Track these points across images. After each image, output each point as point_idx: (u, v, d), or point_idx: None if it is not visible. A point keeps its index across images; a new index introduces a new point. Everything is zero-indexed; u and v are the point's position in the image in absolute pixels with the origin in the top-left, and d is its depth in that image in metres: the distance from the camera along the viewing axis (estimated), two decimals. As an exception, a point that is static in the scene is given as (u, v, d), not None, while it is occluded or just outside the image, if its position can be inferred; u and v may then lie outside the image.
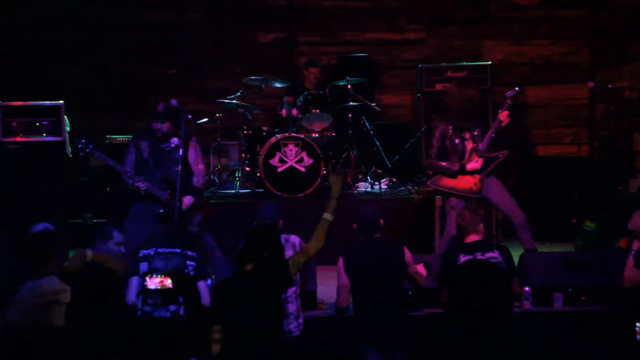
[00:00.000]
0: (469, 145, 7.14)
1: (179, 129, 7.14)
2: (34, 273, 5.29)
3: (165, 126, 7.07)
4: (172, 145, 7.02)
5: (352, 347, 5.72)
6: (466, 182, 7.11)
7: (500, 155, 7.13)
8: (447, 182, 7.14)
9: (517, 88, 7.27)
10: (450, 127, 7.14)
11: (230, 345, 4.79)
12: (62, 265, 5.55)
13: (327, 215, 5.10)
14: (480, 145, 7.12)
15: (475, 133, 7.17)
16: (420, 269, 6.10)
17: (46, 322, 5.12)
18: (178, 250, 5.80)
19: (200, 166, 7.29)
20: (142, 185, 6.88)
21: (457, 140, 7.14)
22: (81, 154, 6.83)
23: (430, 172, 8.06)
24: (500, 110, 7.12)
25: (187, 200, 6.95)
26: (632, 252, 5.82)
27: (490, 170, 7.13)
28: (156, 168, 7.02)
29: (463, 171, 7.10)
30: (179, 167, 6.92)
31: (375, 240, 5.82)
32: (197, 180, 7.21)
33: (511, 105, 7.15)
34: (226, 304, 4.85)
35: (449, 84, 7.69)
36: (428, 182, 7.32)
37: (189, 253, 5.82)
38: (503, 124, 7.10)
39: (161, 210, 6.77)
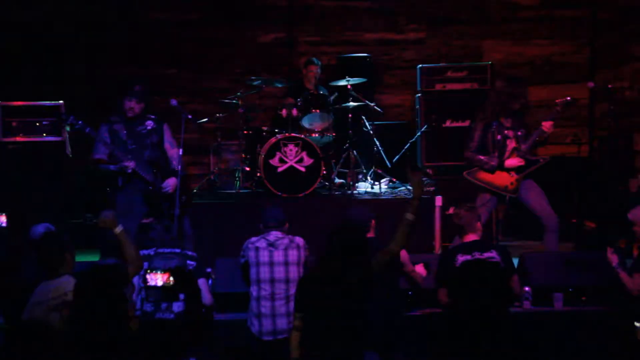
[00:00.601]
0: (511, 144, 7.17)
1: (149, 111, 7.15)
2: (49, 274, 5.26)
3: (139, 107, 7.06)
4: (148, 127, 7.04)
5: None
6: (503, 180, 7.13)
7: (541, 160, 7.15)
8: (484, 176, 7.17)
9: (568, 98, 7.24)
10: (495, 123, 7.15)
11: (313, 342, 4.78)
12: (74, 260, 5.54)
13: (409, 215, 5.07)
14: (522, 145, 7.13)
15: (519, 133, 7.19)
16: (420, 269, 6.10)
17: (65, 323, 5.10)
18: (178, 251, 5.83)
19: (175, 150, 7.22)
20: (130, 164, 6.86)
21: (499, 137, 7.16)
22: (72, 130, 6.83)
23: (433, 165, 8.06)
24: (544, 121, 7.09)
25: (172, 181, 6.96)
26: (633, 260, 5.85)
27: (527, 173, 7.14)
28: (137, 150, 7.02)
29: (501, 167, 7.12)
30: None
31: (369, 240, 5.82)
32: (175, 164, 7.20)
33: (559, 113, 7.13)
34: (310, 301, 4.84)
35: (498, 82, 7.69)
36: (464, 173, 7.33)
37: (189, 253, 5.86)
38: (545, 135, 7.10)
39: (150, 187, 6.81)
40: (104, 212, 5.30)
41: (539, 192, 7.21)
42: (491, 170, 7.14)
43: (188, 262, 5.82)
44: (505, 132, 7.19)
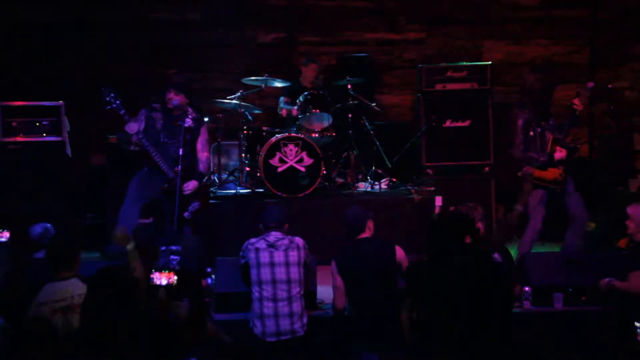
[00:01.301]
0: (549, 135, 7.16)
1: (191, 105, 7.10)
2: (55, 275, 5.25)
3: (179, 98, 6.97)
4: (187, 124, 6.91)
5: (350, 348, 5.73)
6: (552, 173, 7.14)
7: (578, 146, 7.21)
8: (538, 173, 7.17)
9: (590, 84, 7.34)
10: (532, 116, 7.15)
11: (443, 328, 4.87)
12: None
13: None
14: (559, 134, 7.14)
15: (551, 122, 7.20)
16: None
17: (68, 326, 5.09)
18: (163, 249, 5.85)
19: (206, 154, 7.27)
20: (133, 127, 6.79)
21: (538, 130, 7.16)
22: (107, 107, 6.79)
23: (433, 165, 7.98)
24: (573, 99, 7.14)
25: (192, 185, 6.96)
26: None
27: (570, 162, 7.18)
28: (168, 144, 6.99)
29: (552, 161, 7.11)
30: (179, 167, 6.92)
31: (365, 241, 5.83)
32: (202, 168, 7.24)
33: (586, 92, 7.19)
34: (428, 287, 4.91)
35: (531, 75, 7.65)
36: (519, 174, 7.32)
37: (173, 248, 5.87)
38: (579, 110, 7.12)
39: (166, 185, 6.82)
40: (116, 230, 5.48)
41: (574, 186, 7.23)
42: (544, 167, 7.13)
43: (171, 257, 5.83)
44: (542, 123, 7.19)
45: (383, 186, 8.73)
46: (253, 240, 5.99)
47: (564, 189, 7.18)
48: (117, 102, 6.75)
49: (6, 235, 6.25)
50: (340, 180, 8.89)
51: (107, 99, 6.74)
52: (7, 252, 6.28)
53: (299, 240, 5.98)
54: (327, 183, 8.67)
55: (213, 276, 6.68)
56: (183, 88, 6.99)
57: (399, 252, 5.83)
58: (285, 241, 5.93)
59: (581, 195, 7.36)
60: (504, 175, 9.06)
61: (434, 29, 10.22)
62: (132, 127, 6.80)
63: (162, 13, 10.04)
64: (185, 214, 6.89)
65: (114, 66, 9.85)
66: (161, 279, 5.52)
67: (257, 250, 5.90)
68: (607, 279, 6.11)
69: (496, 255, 5.68)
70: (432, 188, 8.38)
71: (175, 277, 5.50)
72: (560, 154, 7.11)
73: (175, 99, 6.95)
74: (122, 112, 6.74)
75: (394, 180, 8.94)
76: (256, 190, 8.55)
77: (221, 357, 5.08)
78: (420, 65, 9.26)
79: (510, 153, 7.37)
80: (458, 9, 10.20)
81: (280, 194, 8.19)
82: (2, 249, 6.23)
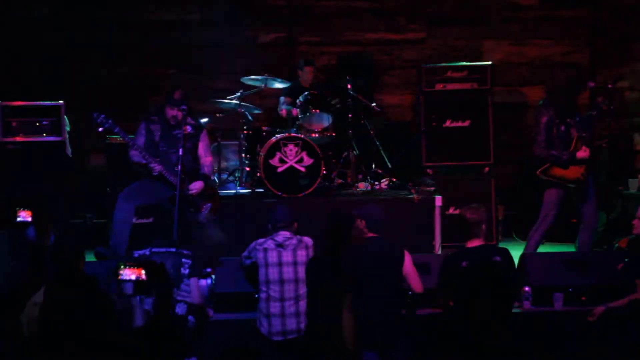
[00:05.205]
0: (574, 132, 7.10)
1: (190, 115, 7.21)
2: None
3: (182, 114, 7.10)
4: (185, 132, 7.05)
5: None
6: (575, 172, 7.08)
7: (603, 145, 7.15)
8: (558, 172, 7.11)
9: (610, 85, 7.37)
10: (557, 114, 7.08)
11: None
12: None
13: None
14: (584, 133, 7.08)
15: (577, 119, 7.13)
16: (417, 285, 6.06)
17: None
18: (173, 250, 5.85)
19: (209, 158, 7.41)
20: (156, 167, 6.93)
21: (562, 128, 7.09)
22: (100, 129, 6.89)
23: (433, 165, 7.99)
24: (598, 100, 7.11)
25: (198, 185, 7.04)
26: None
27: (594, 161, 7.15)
28: (168, 152, 7.07)
29: (573, 160, 7.05)
30: (179, 167, 6.93)
31: (373, 240, 5.82)
32: (207, 171, 7.34)
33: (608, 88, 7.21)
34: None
35: (556, 70, 7.61)
36: (538, 172, 7.24)
37: (185, 252, 5.88)
38: (606, 105, 7.09)
39: (175, 192, 6.86)
40: None
41: (593, 186, 7.18)
42: (565, 165, 7.07)
43: (183, 260, 5.85)
44: (568, 120, 7.13)
45: (383, 186, 8.73)
46: (261, 240, 6.00)
47: (585, 190, 7.11)
48: (109, 121, 6.88)
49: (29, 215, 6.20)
50: (340, 180, 8.89)
51: (99, 120, 6.90)
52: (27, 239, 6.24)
53: (307, 239, 6.00)
54: (327, 183, 8.67)
55: (213, 276, 6.69)
56: (180, 104, 7.10)
57: (406, 256, 5.82)
58: (294, 240, 5.94)
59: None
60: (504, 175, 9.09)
61: (434, 29, 10.21)
62: (141, 160, 7.02)
63: (162, 13, 10.04)
64: (201, 217, 6.95)
65: (114, 66, 9.85)
66: (130, 275, 5.52)
67: (265, 250, 5.91)
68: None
69: (499, 260, 5.63)
70: (432, 188, 8.38)
71: (144, 272, 5.49)
72: (583, 153, 7.05)
73: (179, 114, 7.10)
74: (117, 129, 6.93)
75: (394, 180, 8.93)
76: (256, 190, 8.55)
77: (221, 357, 5.09)
78: (420, 65, 9.26)
79: (533, 151, 7.30)
80: (458, 9, 10.19)
81: (280, 194, 8.19)
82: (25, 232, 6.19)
